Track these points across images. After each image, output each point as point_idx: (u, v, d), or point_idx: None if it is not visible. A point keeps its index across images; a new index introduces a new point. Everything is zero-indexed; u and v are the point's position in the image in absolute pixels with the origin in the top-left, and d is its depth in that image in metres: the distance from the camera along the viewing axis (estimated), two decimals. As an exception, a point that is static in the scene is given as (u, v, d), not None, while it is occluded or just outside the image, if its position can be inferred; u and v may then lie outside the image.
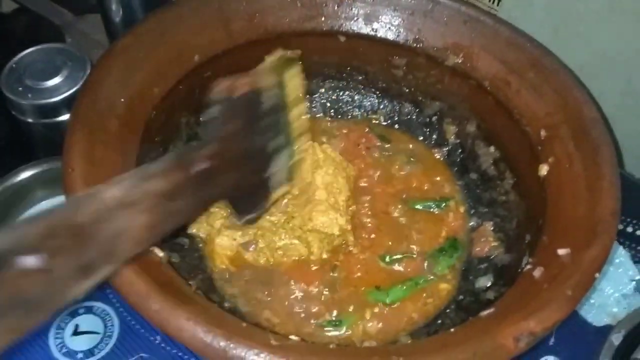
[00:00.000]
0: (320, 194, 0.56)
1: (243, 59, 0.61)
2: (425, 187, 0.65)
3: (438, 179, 0.66)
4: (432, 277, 0.58)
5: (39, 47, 0.74)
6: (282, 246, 0.56)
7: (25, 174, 0.67)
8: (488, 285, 0.55)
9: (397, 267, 0.59)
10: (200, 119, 0.45)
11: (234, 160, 0.42)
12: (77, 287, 0.25)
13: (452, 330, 0.44)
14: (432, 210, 0.63)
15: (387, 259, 0.59)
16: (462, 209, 0.63)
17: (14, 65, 0.72)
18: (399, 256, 0.59)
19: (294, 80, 0.52)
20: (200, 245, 0.57)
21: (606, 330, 0.59)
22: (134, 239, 0.30)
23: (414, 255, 0.59)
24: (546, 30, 0.71)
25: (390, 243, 0.60)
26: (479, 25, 0.60)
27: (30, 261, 0.21)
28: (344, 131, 0.68)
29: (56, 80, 0.71)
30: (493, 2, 0.76)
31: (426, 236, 0.61)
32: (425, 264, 0.59)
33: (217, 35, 0.58)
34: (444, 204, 0.63)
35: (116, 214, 0.28)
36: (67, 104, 0.71)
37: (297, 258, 0.56)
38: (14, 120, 0.72)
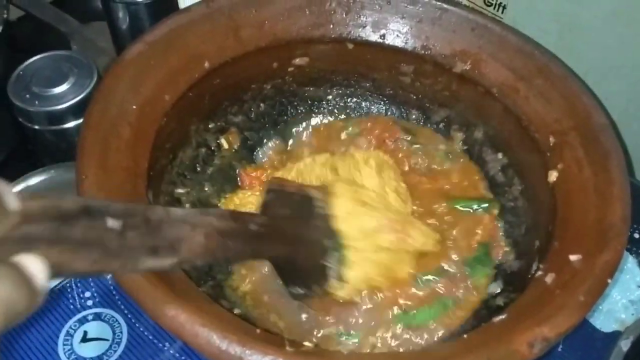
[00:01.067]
0: (393, 199, 0.55)
1: (252, 66, 0.61)
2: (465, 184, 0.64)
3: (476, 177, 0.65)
4: (461, 293, 0.56)
5: (46, 54, 0.74)
6: None
7: (32, 181, 0.67)
8: (497, 292, 0.55)
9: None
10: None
11: (285, 238, 0.48)
12: (144, 260, 0.33)
13: (464, 336, 0.44)
14: (473, 209, 0.62)
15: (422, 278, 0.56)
16: (495, 212, 0.61)
17: (21, 73, 0.72)
18: (431, 277, 0.57)
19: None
20: None
21: (614, 336, 0.59)
22: (192, 249, 0.37)
23: (451, 270, 0.57)
24: (551, 36, 0.71)
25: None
26: (486, 32, 0.60)
27: (112, 222, 0.29)
28: (369, 125, 0.67)
29: (63, 87, 0.71)
30: (497, 9, 0.76)
31: (464, 242, 0.59)
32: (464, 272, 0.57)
33: (227, 42, 0.58)
34: (486, 205, 0.62)
35: (179, 225, 0.36)
36: (74, 111, 0.71)
37: None
38: (21, 127, 0.72)
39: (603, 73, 0.71)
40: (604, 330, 0.60)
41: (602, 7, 0.67)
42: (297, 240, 0.49)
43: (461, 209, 0.61)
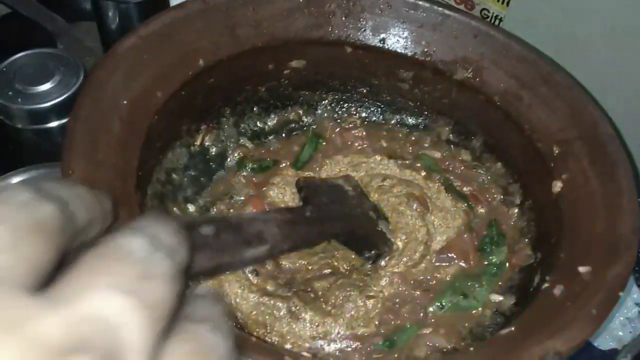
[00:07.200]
0: None
1: (248, 66, 0.59)
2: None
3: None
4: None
5: (31, 51, 0.72)
6: None
7: (12, 181, 0.64)
8: (498, 301, 0.53)
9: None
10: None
11: (335, 217, 0.55)
12: (244, 251, 0.39)
13: (471, 349, 0.42)
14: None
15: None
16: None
17: (4, 69, 0.70)
18: None
19: None
20: None
21: (613, 354, 0.58)
22: (274, 237, 0.43)
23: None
24: (548, 50, 0.70)
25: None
26: (489, 39, 0.59)
27: (206, 229, 0.35)
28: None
29: (48, 86, 0.69)
30: (494, 21, 0.76)
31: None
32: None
33: (222, 40, 0.56)
34: None
35: (253, 222, 0.43)
36: (58, 111, 0.69)
37: None
38: (2, 126, 0.69)
39: (599, 88, 0.70)
40: (601, 348, 0.59)
41: (600, 22, 0.66)
42: (346, 217, 0.56)
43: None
